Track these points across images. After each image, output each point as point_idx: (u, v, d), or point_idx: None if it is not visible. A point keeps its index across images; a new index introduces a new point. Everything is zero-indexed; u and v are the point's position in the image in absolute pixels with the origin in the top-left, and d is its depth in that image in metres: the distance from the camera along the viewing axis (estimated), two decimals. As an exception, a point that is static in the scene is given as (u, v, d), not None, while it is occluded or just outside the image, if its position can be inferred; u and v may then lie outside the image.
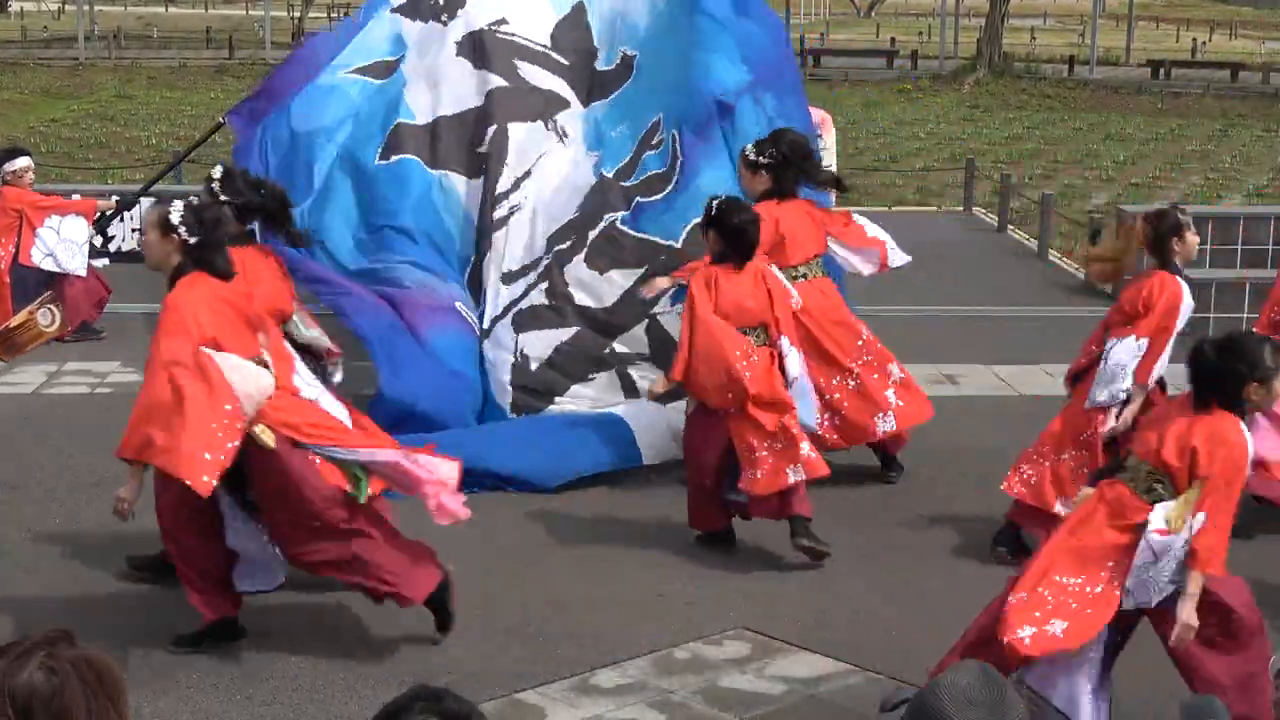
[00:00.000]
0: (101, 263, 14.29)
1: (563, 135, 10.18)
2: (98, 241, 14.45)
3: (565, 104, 10.33)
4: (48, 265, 11.43)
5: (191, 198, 6.86)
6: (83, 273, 11.65)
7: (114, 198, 12.46)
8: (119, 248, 14.54)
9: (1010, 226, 17.27)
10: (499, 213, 9.81)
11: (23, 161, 11.71)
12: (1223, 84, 34.99)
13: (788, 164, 8.64)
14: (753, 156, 8.70)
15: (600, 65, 10.51)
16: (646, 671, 6.52)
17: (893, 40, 44.80)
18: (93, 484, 8.62)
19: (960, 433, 9.82)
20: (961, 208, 18.72)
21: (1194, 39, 48.33)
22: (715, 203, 7.75)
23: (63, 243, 11.54)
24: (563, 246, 9.64)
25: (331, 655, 6.60)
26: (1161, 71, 36.81)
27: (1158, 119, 30.08)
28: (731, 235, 7.66)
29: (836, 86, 34.12)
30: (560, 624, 6.95)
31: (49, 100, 30.12)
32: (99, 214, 11.91)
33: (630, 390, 9.22)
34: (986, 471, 9.09)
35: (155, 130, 25.56)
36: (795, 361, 7.86)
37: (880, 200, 19.65)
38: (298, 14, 45.17)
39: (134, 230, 14.52)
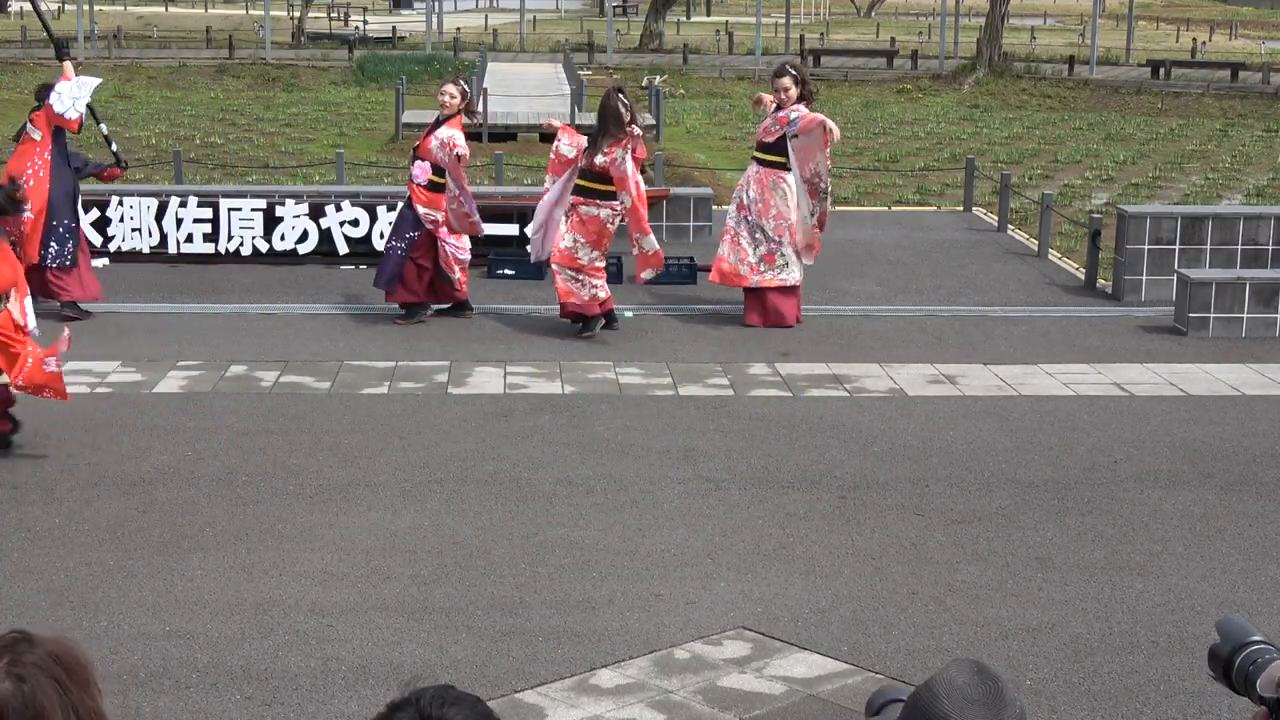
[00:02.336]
0: (101, 262, 14.31)
1: None
2: (97, 240, 14.47)
3: None
4: None
5: None
6: None
7: None
8: (119, 248, 14.54)
9: (1010, 226, 17.27)
10: None
11: None
12: (1223, 84, 34.98)
13: None
14: None
15: None
16: (646, 671, 6.52)
17: (893, 40, 44.79)
18: (93, 484, 8.63)
19: (960, 433, 9.83)
20: (961, 208, 18.72)
21: (1194, 39, 48.32)
22: None
23: None
24: None
25: (332, 655, 6.60)
26: (1161, 71, 36.80)
27: (1158, 119, 30.09)
28: None
29: (836, 86, 34.11)
30: (560, 624, 6.96)
31: (49, 100, 30.09)
32: None
33: None
34: (986, 471, 9.11)
35: (155, 130, 25.54)
36: (30, 311, 9.04)
37: (880, 200, 19.65)
38: (298, 14, 45.17)
39: (134, 230, 14.52)
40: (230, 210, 14.55)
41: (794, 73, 12.59)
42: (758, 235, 12.46)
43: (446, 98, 12.28)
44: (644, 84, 31.13)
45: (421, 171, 12.29)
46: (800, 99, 12.43)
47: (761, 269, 12.48)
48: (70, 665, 2.43)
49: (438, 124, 12.32)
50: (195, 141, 24.43)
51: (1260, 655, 2.89)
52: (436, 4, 42.46)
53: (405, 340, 11.93)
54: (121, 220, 14.53)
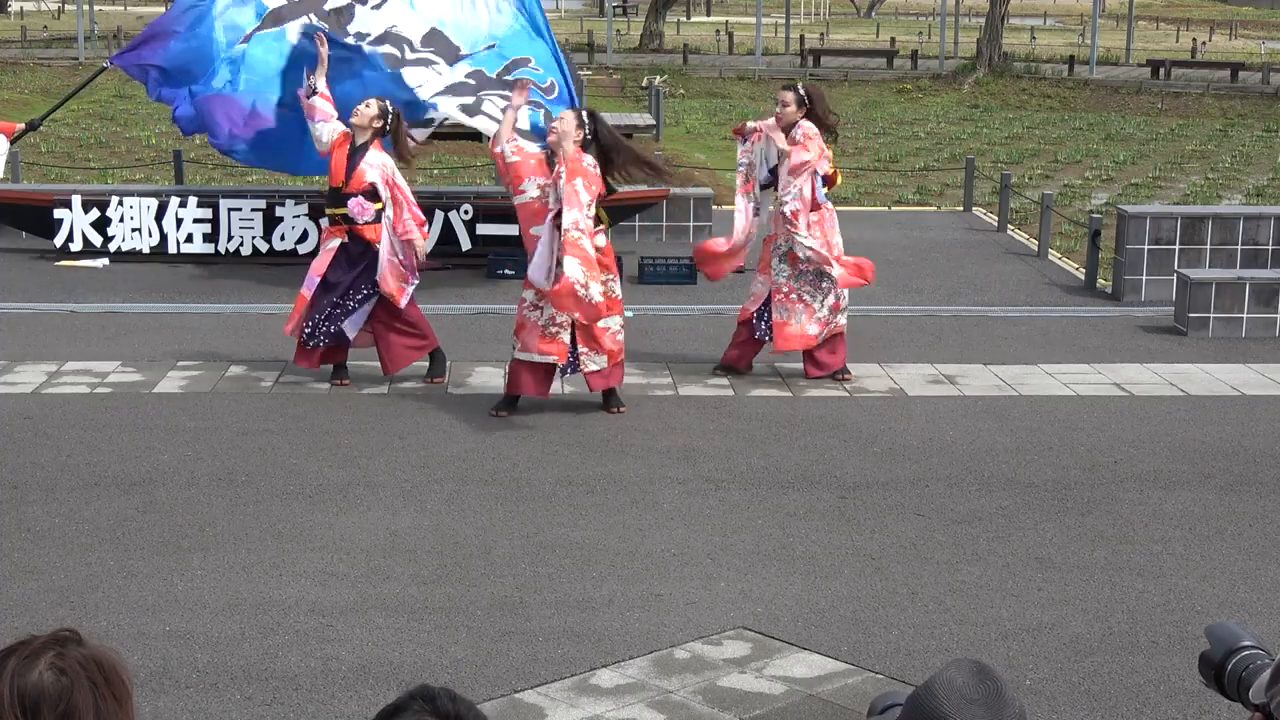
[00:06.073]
0: (101, 262, 14.32)
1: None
2: (97, 240, 14.48)
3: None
4: None
5: None
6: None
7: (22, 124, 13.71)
8: (119, 248, 14.53)
9: (1010, 226, 17.27)
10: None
11: None
12: (1223, 84, 34.97)
13: None
14: None
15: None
16: (646, 671, 6.52)
17: (893, 40, 44.77)
18: (93, 484, 8.63)
19: (960, 433, 9.83)
20: (961, 208, 18.72)
21: (1194, 39, 48.31)
22: None
23: None
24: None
25: (332, 655, 6.60)
26: (1161, 71, 36.79)
27: (1158, 119, 30.09)
28: None
29: (836, 86, 34.11)
30: (560, 624, 6.96)
31: (49, 100, 30.04)
32: (16, 135, 13.25)
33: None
34: (986, 471, 9.11)
35: (155, 130, 25.52)
36: None
37: (880, 200, 19.65)
38: (298, 14, 45.09)
39: (134, 230, 14.52)
40: (230, 210, 14.55)
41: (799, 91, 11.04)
42: (824, 284, 10.82)
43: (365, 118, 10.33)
44: (644, 84, 31.13)
45: (361, 209, 10.31)
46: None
47: (830, 319, 10.89)
48: (111, 675, 2.44)
49: (362, 150, 10.34)
50: (195, 141, 24.39)
51: (1252, 660, 2.89)
52: (436, 4, 42.40)
53: (405, 340, 11.91)
54: (121, 220, 14.53)
